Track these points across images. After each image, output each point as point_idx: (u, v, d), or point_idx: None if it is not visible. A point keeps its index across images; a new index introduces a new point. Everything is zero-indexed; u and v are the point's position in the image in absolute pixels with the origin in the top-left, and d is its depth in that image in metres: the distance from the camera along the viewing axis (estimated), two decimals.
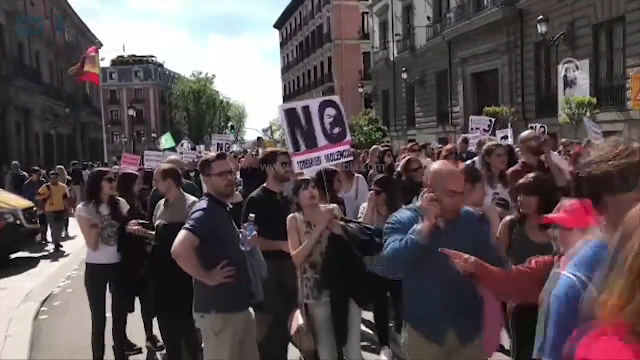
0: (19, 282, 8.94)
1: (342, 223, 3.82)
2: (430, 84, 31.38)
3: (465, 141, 11.03)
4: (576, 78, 18.70)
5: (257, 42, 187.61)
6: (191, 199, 4.89)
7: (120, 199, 5.21)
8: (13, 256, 10.78)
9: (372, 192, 4.81)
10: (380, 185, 4.81)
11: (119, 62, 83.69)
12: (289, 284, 4.25)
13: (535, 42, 21.94)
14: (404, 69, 32.22)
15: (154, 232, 4.81)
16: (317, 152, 4.42)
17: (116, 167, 15.10)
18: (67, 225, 13.04)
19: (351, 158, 5.31)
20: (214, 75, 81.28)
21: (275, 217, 4.09)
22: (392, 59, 36.20)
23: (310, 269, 3.94)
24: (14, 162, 17.37)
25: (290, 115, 4.41)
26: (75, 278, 8.60)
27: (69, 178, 16.77)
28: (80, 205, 5.17)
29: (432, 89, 31.30)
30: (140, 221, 4.98)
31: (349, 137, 4.62)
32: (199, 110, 76.20)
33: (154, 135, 64.26)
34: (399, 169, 6.41)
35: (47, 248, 12.16)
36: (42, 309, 7.41)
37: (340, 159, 4.57)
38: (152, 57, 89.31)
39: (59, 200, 11.58)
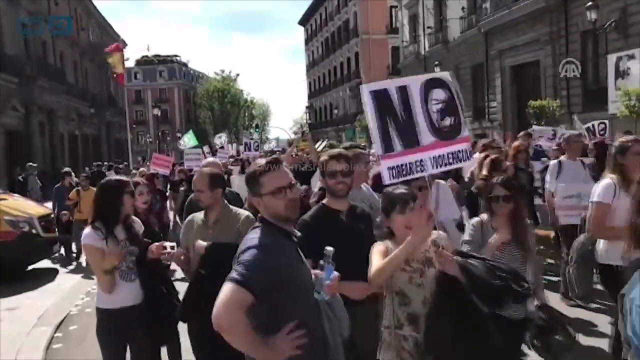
0: (33, 300, 8.01)
1: (459, 258, 2.66)
2: (465, 78, 30.09)
3: (529, 135, 9.75)
4: (629, 68, 17.36)
5: (280, 40, 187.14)
6: (242, 213, 3.77)
7: (134, 217, 3.94)
8: (30, 267, 9.89)
9: (498, 200, 3.48)
10: (509, 189, 3.43)
11: (143, 61, 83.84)
12: (359, 342, 3.02)
13: (581, 31, 20.53)
14: (436, 63, 30.90)
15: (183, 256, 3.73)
16: (420, 153, 3.15)
17: (142, 169, 14.21)
18: None
19: (470, 162, 4.01)
20: (237, 74, 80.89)
21: (336, 246, 2.71)
22: (422, 53, 35.00)
23: (407, 324, 2.81)
24: (29, 163, 16.05)
25: (380, 99, 3.17)
26: (95, 294, 7.65)
27: (77, 180, 15.69)
28: (87, 230, 3.67)
29: (466, 83, 29.99)
30: (167, 243, 3.70)
31: (466, 132, 3.29)
32: (223, 109, 75.76)
33: (178, 134, 63.82)
34: (484, 171, 5.18)
35: (66, 259, 11.15)
36: (56, 334, 6.45)
37: (454, 163, 3.22)
38: (176, 56, 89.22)
39: (87, 209, 10.13)
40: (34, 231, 9.21)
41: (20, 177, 16.03)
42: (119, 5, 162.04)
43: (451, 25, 30.86)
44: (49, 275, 9.68)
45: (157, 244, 3.67)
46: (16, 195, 11.03)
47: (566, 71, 18.99)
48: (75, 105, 38.90)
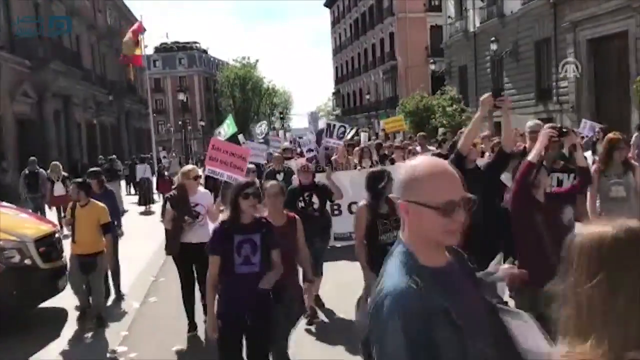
0: None
1: None
2: (526, 55, 26.69)
3: None
4: None
5: (303, 26, 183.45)
6: None
7: None
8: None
9: None
10: None
11: (162, 49, 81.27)
12: None
13: None
14: (492, 39, 27.50)
15: None
16: None
17: (165, 161, 10.47)
18: (110, 276, 7.40)
19: None
20: (257, 60, 77.90)
21: None
22: (472, 30, 31.51)
23: None
24: (31, 157, 14.04)
25: None
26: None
27: (65, 174, 13.71)
28: None
29: (528, 60, 26.60)
30: None
31: None
32: (245, 97, 73.09)
33: (201, 123, 61.14)
34: None
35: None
36: None
37: None
38: (196, 43, 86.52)
39: (87, 236, 6.30)
40: (27, 262, 6.08)
41: (26, 171, 13.63)
42: None
43: None
44: (55, 323, 6.52)
45: None
46: (5, 204, 7.70)
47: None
48: (92, 92, 36.11)
